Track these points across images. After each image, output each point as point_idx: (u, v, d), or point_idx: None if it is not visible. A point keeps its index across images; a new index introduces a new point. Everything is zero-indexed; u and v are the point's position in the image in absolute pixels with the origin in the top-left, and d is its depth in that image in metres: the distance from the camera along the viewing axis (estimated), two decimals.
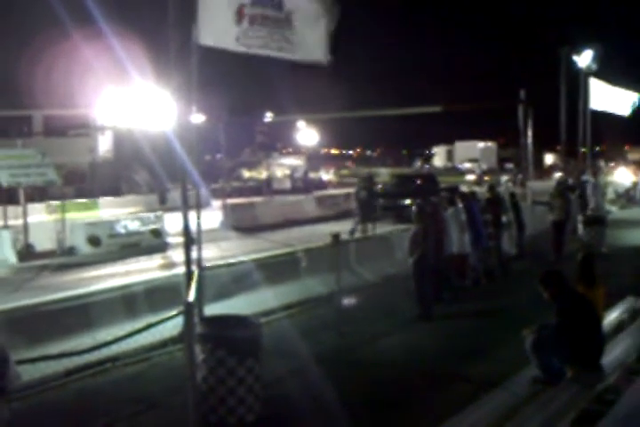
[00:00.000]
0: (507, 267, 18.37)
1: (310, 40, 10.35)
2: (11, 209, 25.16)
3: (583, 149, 41.38)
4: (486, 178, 64.75)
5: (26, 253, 22.92)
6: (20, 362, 6.84)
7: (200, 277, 9.80)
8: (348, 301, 13.78)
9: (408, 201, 30.49)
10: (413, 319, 13.62)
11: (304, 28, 10.27)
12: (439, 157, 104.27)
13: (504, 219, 18.75)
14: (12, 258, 21.82)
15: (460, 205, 16.66)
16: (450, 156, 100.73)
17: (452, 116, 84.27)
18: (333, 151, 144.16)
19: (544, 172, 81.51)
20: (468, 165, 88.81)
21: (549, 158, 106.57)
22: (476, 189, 29.56)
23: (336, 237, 13.44)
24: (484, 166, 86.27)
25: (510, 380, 9.09)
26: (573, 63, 37.83)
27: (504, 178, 56.22)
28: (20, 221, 24.04)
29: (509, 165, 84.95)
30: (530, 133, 41.67)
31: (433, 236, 14.42)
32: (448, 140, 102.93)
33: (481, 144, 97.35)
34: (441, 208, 16.08)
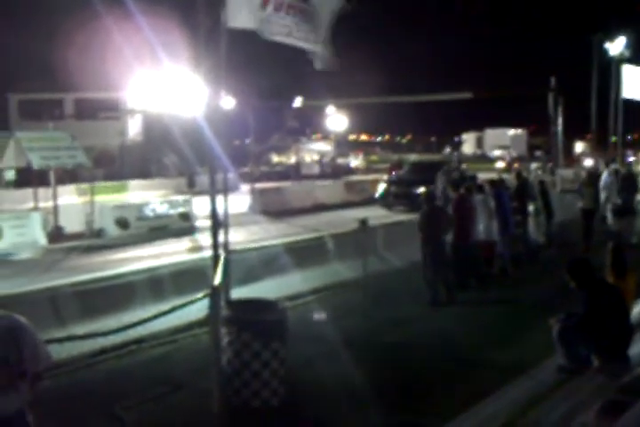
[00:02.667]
0: (534, 255, 18.30)
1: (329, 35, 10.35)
2: (41, 191, 25.35)
3: (614, 138, 41.04)
4: (515, 165, 64.34)
5: (55, 234, 23.08)
6: (49, 342, 6.89)
7: (227, 260, 9.83)
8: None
9: (421, 189, 30.40)
10: (426, 305, 13.67)
11: (327, 22, 10.25)
12: (469, 143, 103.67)
13: (531, 207, 18.66)
14: (42, 240, 22.00)
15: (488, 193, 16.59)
16: (479, 143, 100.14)
17: (483, 103, 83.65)
18: (362, 137, 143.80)
19: (573, 160, 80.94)
20: (497, 153, 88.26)
21: (579, 146, 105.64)
22: (506, 176, 29.36)
23: (363, 222, 13.44)
24: (514, 154, 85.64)
25: (536, 368, 9.09)
26: (606, 50, 37.46)
27: (533, 166, 55.90)
28: (50, 204, 24.22)
29: (539, 153, 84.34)
30: (560, 121, 41.38)
31: (446, 223, 14.36)
32: (478, 126, 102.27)
33: (511, 131, 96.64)
34: (469, 195, 16.02)
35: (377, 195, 33.98)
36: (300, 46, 10.29)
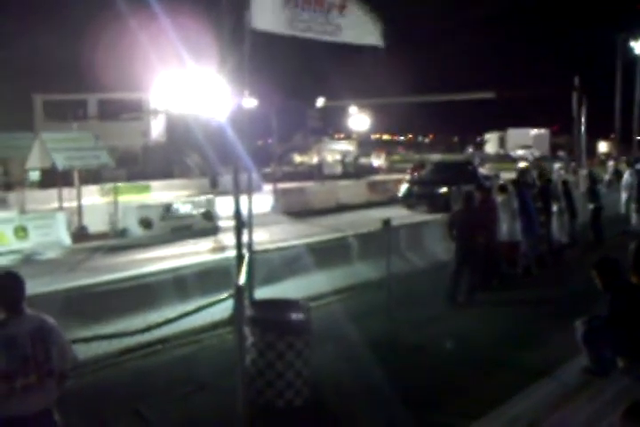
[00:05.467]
0: (558, 255, 18.22)
1: (364, 23, 10.35)
2: (65, 191, 25.53)
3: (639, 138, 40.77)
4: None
5: (79, 234, 23.25)
6: (74, 341, 6.95)
7: (251, 260, 9.86)
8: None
9: (443, 189, 30.65)
10: (450, 306, 13.69)
11: (358, 11, 10.27)
12: (491, 143, 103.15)
13: (555, 207, 18.59)
14: (67, 239, 22.17)
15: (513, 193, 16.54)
16: (502, 142, 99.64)
17: (505, 103, 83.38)
18: (385, 137, 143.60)
19: (597, 159, 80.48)
20: (520, 152, 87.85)
21: (603, 146, 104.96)
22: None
23: (387, 222, 13.41)
24: (537, 153, 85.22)
25: (560, 369, 9.03)
26: (631, 49, 37.23)
27: (556, 165, 55.68)
28: (74, 204, 24.39)
29: (562, 153, 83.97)
30: (583, 121, 41.13)
31: (470, 223, 14.25)
32: (500, 126, 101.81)
33: (534, 131, 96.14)
34: (493, 195, 15.99)
35: (399, 195, 33.97)
36: (319, 39, 10.32)
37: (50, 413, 5.44)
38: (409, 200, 32.84)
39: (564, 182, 20.59)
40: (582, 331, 8.76)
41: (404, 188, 34.03)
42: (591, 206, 21.06)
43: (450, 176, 32.17)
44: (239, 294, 7.29)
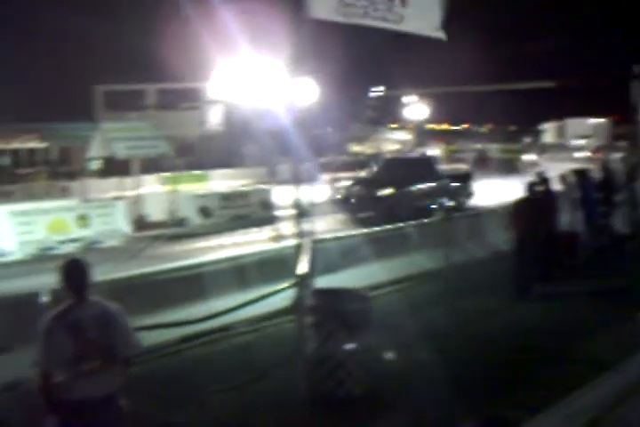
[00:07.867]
0: (619, 246, 17.95)
1: (427, 15, 10.24)
2: (125, 180, 25.84)
3: None
4: (598, 156, 63.13)
5: (140, 223, 23.52)
6: (138, 329, 7.03)
7: (313, 249, 9.87)
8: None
9: (387, 191, 25.96)
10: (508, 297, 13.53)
11: (421, 2, 10.17)
12: (550, 133, 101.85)
13: (617, 198, 18.32)
14: (127, 228, 22.42)
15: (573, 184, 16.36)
16: (560, 132, 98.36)
17: (564, 92, 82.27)
18: (443, 126, 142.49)
19: None
20: (579, 142, 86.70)
21: None
22: (590, 166, 28.85)
23: (447, 211, 13.35)
24: (597, 143, 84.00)
25: (624, 362, 8.91)
26: None
27: (617, 155, 54.83)
28: (134, 192, 24.67)
29: (622, 143, 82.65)
30: None
31: (531, 216, 14.02)
32: (559, 116, 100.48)
33: (593, 120, 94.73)
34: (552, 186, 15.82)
35: (338, 197, 27.52)
36: (377, 26, 10.22)
37: (115, 398, 5.51)
38: (347, 205, 26.61)
39: (628, 173, 20.28)
40: None
41: (341, 188, 28.00)
42: None
43: (401, 175, 26.92)
44: (301, 282, 7.31)
